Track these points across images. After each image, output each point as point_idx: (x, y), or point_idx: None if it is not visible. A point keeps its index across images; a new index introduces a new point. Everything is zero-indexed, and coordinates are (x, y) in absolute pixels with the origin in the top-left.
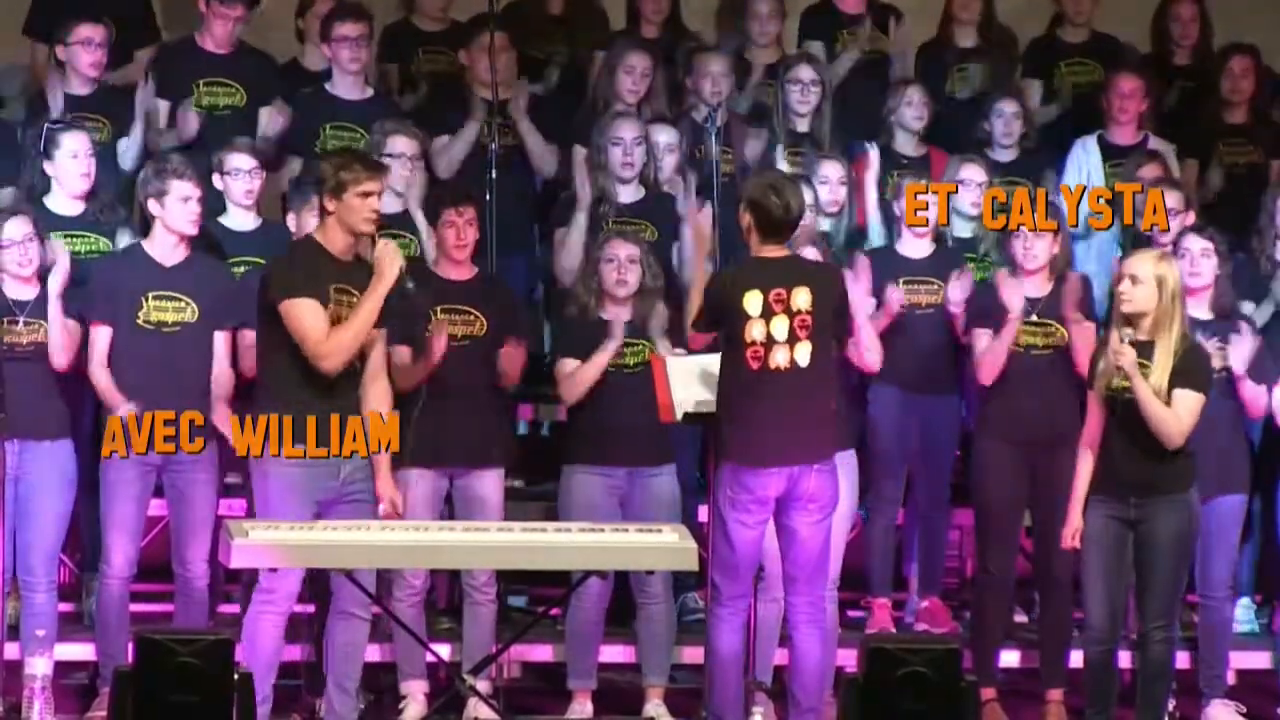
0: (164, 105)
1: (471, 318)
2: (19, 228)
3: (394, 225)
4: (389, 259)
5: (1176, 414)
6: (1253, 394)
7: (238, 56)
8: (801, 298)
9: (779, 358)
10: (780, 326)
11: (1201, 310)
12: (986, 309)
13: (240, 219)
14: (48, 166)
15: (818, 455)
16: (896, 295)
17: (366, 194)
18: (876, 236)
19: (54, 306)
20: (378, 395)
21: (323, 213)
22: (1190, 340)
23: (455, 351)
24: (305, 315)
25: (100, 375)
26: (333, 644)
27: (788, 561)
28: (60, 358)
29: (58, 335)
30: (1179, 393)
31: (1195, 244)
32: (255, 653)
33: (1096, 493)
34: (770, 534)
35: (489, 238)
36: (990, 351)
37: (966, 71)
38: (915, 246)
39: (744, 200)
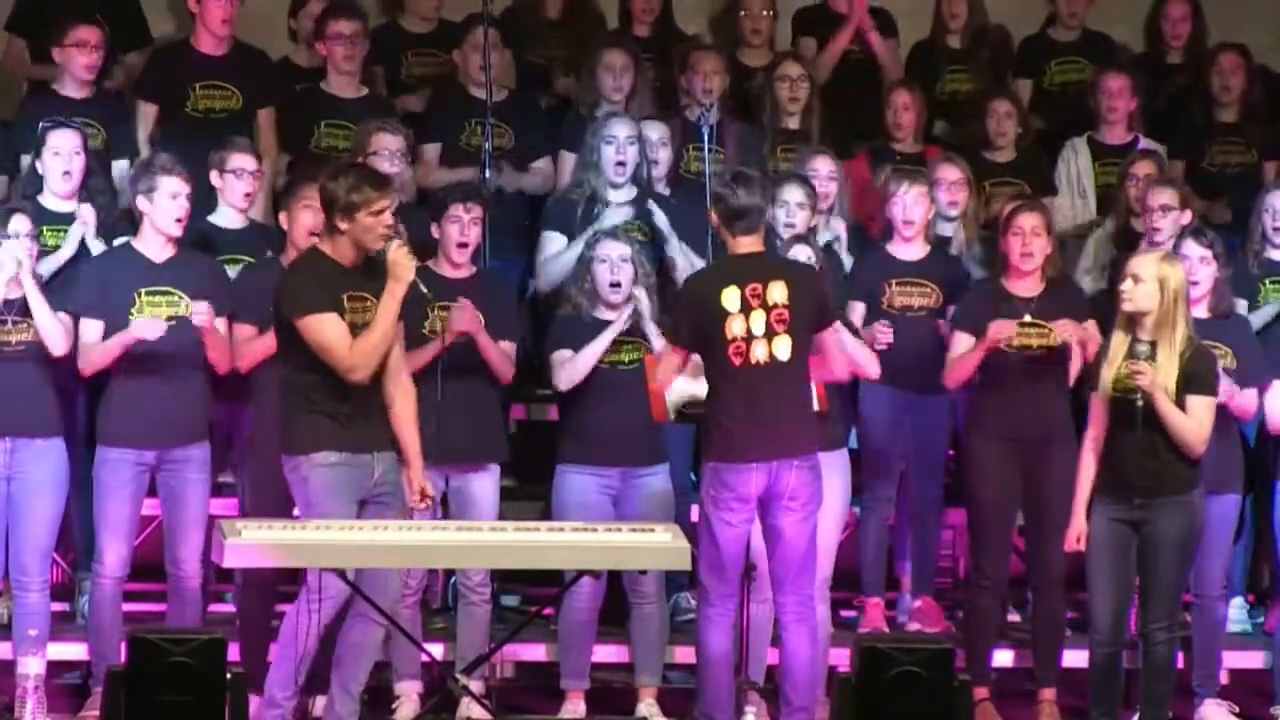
0: (152, 110)
1: None
2: (17, 225)
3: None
4: (404, 262)
5: (1197, 421)
6: (1241, 398)
7: (233, 57)
8: (777, 291)
9: (758, 353)
10: (758, 321)
11: (1199, 311)
12: (973, 312)
13: (230, 217)
14: (38, 165)
15: (798, 450)
16: (884, 335)
17: (379, 212)
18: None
19: (37, 296)
20: (402, 391)
21: (332, 229)
22: (1195, 342)
23: (451, 350)
24: (326, 329)
25: (103, 348)
26: (345, 645)
27: (773, 561)
28: (58, 344)
29: (48, 322)
30: (1193, 399)
31: (1194, 250)
32: (291, 650)
33: (1100, 494)
34: (760, 534)
35: (484, 241)
36: (962, 359)
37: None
38: (909, 248)
39: (710, 199)
